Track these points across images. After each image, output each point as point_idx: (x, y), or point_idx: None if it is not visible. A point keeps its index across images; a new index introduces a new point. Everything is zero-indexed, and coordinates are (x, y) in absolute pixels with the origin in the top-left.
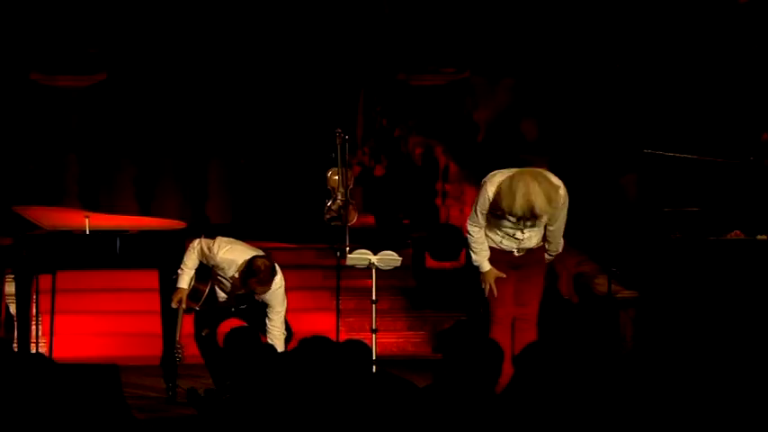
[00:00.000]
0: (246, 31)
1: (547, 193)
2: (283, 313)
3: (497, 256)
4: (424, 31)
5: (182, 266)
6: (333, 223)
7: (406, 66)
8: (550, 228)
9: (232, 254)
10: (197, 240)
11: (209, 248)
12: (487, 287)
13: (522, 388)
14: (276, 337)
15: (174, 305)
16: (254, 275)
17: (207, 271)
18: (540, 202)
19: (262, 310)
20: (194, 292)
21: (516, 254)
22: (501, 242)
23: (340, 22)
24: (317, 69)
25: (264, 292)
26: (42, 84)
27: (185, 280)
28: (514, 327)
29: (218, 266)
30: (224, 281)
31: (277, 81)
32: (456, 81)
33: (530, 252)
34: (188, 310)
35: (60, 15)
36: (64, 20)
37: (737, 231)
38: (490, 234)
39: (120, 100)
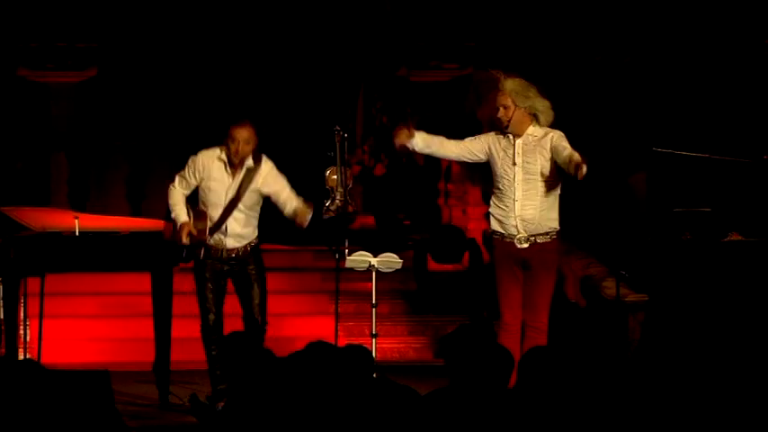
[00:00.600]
0: (242, 25)
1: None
2: (288, 187)
3: (504, 250)
4: (426, 25)
5: (170, 207)
6: (328, 214)
7: (408, 61)
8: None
9: (210, 149)
10: (170, 186)
11: (186, 167)
12: None
13: (524, 395)
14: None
15: (185, 240)
16: (233, 123)
17: (201, 213)
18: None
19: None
20: (197, 215)
21: (520, 244)
22: (504, 222)
23: (339, 16)
24: (314, 64)
25: (245, 137)
26: (30, 80)
27: (182, 213)
28: (524, 334)
29: (203, 169)
30: (212, 186)
31: (274, 77)
32: (459, 77)
33: (538, 246)
34: (196, 246)
35: (49, 8)
36: (53, 13)
37: (734, 233)
38: (492, 213)
39: (112, 96)
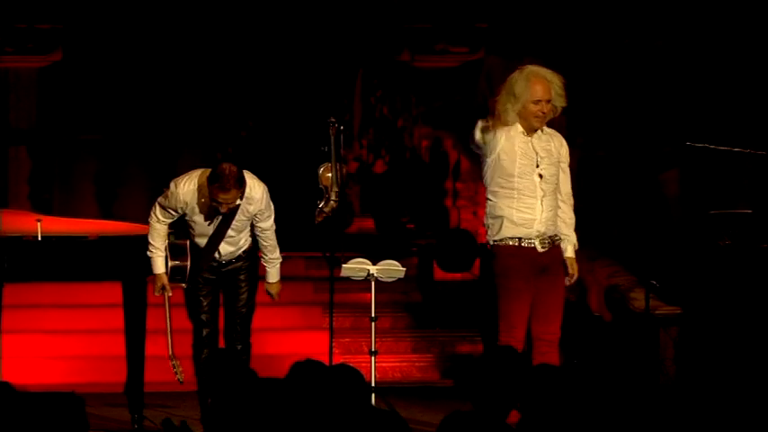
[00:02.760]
0: (224, 3)
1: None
2: (272, 219)
3: (522, 257)
4: (431, 4)
5: (149, 248)
6: (321, 217)
7: (411, 44)
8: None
9: (192, 180)
10: (152, 210)
11: (166, 197)
12: None
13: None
14: (270, 248)
15: (156, 293)
16: (217, 181)
17: (181, 248)
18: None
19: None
20: (175, 271)
21: (540, 248)
22: (520, 226)
23: None
24: (306, 48)
25: (231, 200)
26: None
27: (159, 262)
28: (533, 349)
29: (186, 205)
30: (197, 219)
31: (260, 62)
32: (469, 62)
33: (555, 249)
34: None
35: None
36: None
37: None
38: (506, 216)
39: (79, 84)
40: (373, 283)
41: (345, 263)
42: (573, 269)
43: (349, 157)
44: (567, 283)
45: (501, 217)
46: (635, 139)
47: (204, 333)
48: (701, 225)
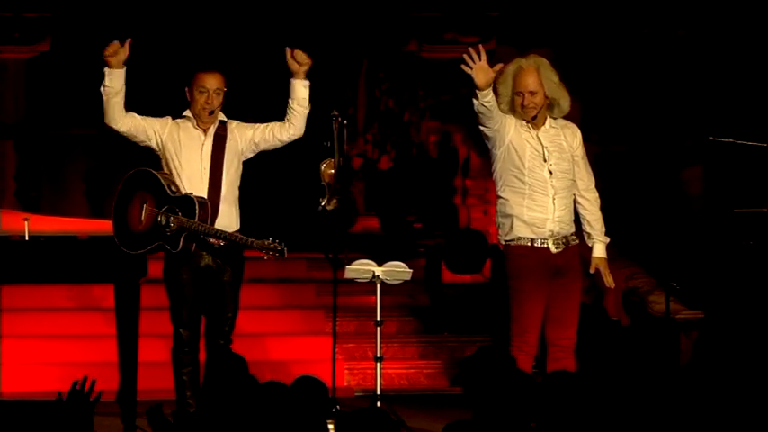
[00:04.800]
0: None
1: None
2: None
3: (535, 259)
4: None
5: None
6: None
7: (418, 34)
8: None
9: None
10: None
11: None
12: None
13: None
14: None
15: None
16: (199, 68)
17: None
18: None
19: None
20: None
21: (554, 249)
22: (532, 225)
23: None
24: (307, 36)
25: (216, 85)
26: None
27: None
28: (547, 356)
29: (172, 130)
30: (188, 154)
31: (259, 51)
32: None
33: (570, 250)
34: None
35: None
36: None
37: None
38: (517, 215)
39: (68, 76)
40: (378, 286)
41: (349, 264)
42: (605, 271)
43: (353, 153)
44: (609, 286)
45: (511, 216)
46: (655, 134)
47: (185, 336)
48: (724, 224)
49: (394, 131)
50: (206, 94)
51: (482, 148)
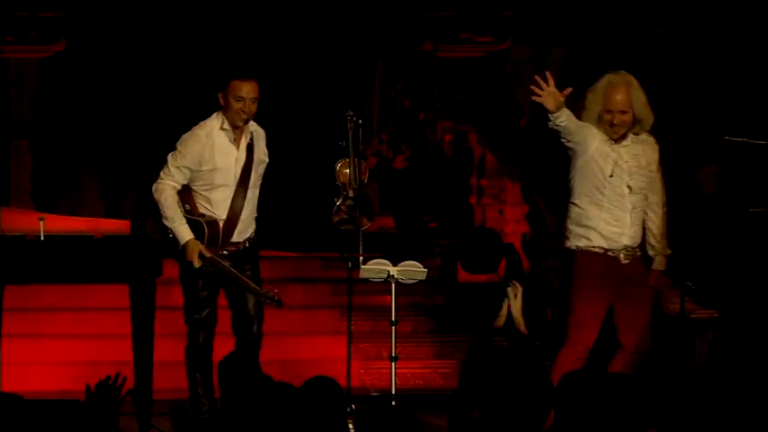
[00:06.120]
0: None
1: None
2: None
3: (605, 267)
4: None
5: (166, 217)
6: (343, 227)
7: (434, 34)
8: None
9: (201, 123)
10: (163, 172)
11: (178, 150)
12: None
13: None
14: None
15: (197, 264)
16: (235, 75)
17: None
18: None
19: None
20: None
21: (623, 259)
22: (608, 239)
23: None
24: (323, 37)
25: (252, 92)
26: None
27: (184, 228)
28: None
29: (204, 146)
30: (220, 163)
31: (274, 51)
32: (494, 53)
33: (637, 260)
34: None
35: None
36: None
37: None
38: (595, 227)
39: (83, 75)
40: (393, 286)
41: (364, 264)
42: (660, 283)
43: (368, 153)
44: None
45: (587, 226)
46: (669, 134)
47: (201, 338)
48: (739, 224)
49: (409, 131)
50: (243, 102)
51: (498, 148)
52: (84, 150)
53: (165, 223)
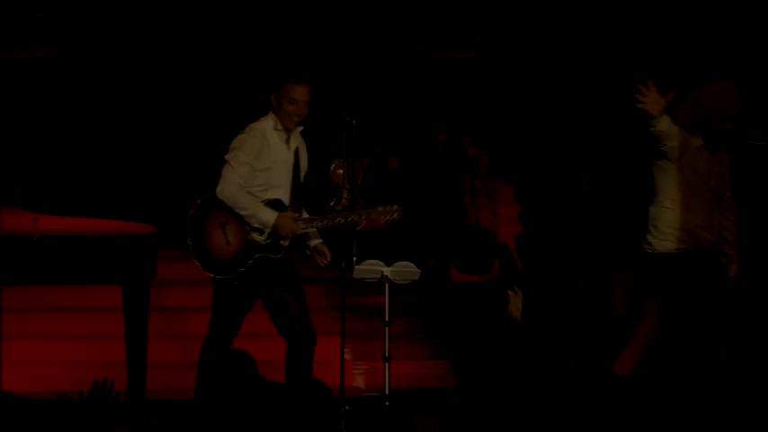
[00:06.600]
0: None
1: None
2: None
3: (693, 268)
4: None
5: (244, 211)
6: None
7: (427, 35)
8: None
9: (256, 122)
10: (225, 173)
11: (236, 147)
12: None
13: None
14: None
15: (298, 232)
16: (289, 77)
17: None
18: None
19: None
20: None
21: (704, 262)
22: (698, 237)
23: None
24: (317, 38)
25: (306, 96)
26: None
27: (266, 210)
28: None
29: (264, 138)
30: (276, 157)
31: (270, 53)
32: (487, 54)
33: (711, 261)
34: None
35: None
36: None
37: None
38: (691, 230)
39: (76, 76)
40: (387, 286)
41: (358, 264)
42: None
43: (361, 153)
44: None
45: (680, 228)
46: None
47: (223, 342)
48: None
49: (402, 131)
50: (297, 105)
51: (491, 149)
52: (77, 151)
53: (246, 217)
